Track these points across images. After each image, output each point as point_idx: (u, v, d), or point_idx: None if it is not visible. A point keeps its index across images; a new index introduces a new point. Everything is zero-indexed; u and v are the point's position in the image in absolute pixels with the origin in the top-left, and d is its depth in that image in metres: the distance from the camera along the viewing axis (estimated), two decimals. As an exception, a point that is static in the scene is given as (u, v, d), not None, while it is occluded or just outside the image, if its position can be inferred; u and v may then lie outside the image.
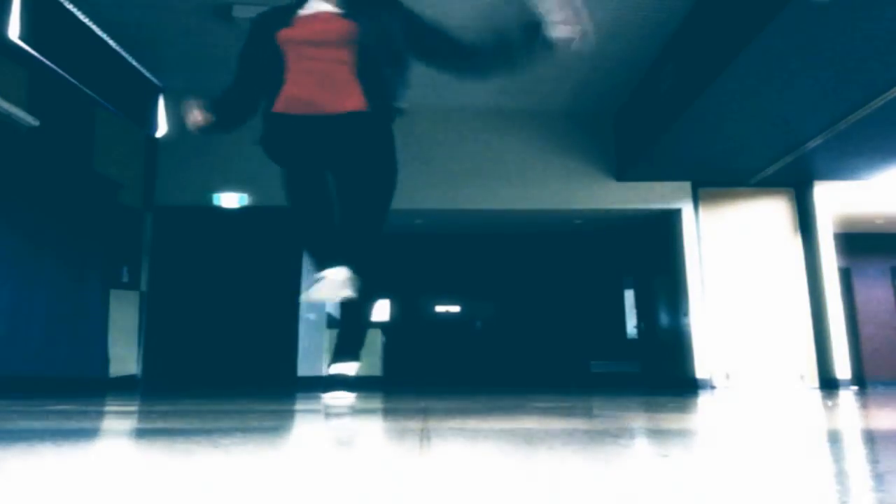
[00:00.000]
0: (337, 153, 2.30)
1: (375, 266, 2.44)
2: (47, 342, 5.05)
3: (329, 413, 2.09)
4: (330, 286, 2.21)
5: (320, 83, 2.29)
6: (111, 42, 5.90)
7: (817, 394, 4.67)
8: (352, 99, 2.23)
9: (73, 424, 1.54)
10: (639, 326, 9.00)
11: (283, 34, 2.32)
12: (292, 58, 2.31)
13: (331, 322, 7.27)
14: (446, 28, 2.34)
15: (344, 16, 2.30)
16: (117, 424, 1.67)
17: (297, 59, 2.31)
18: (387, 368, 7.86)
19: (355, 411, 2.15)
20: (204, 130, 2.47)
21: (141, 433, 1.35)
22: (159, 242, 6.97)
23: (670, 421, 1.61)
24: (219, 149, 7.28)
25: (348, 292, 2.22)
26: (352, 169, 2.31)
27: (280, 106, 2.30)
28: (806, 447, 1.08)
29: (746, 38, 4.47)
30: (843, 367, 6.79)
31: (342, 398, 2.36)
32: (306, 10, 2.38)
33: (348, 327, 2.52)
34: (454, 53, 2.36)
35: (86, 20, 5.50)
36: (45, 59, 5.00)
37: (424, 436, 1.16)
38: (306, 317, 7.01)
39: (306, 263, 7.10)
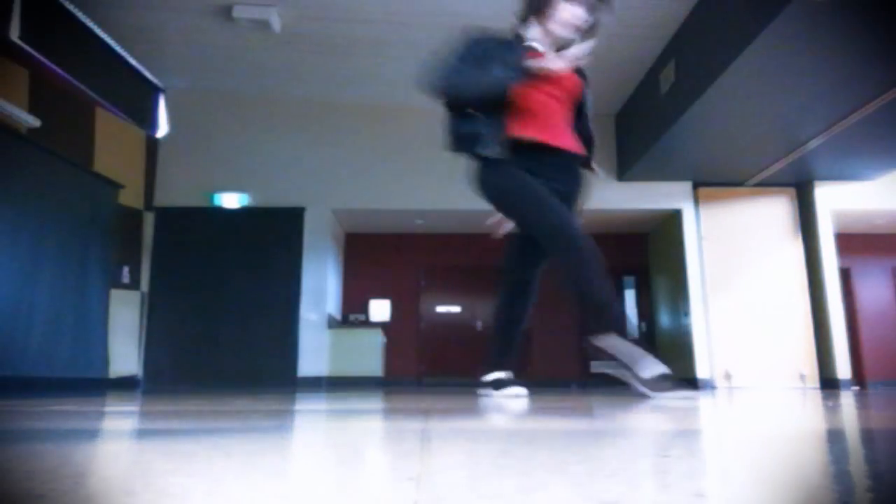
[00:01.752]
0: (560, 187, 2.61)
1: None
2: (48, 343, 5.06)
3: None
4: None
5: (558, 124, 2.63)
6: (112, 42, 5.91)
7: (818, 394, 4.67)
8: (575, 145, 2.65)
9: (73, 425, 1.55)
10: (639, 326, 9.00)
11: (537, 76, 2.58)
12: (536, 94, 2.57)
13: (331, 322, 7.27)
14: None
15: (577, 77, 2.71)
16: (118, 425, 1.67)
17: (542, 96, 2.59)
18: (387, 368, 7.86)
19: (355, 412, 2.15)
20: None
21: (141, 434, 1.36)
22: (160, 242, 6.98)
23: (671, 421, 1.61)
24: (219, 149, 7.29)
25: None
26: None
27: (529, 133, 2.56)
28: (806, 447, 1.08)
29: (747, 39, 4.48)
30: (843, 368, 6.80)
31: (516, 395, 2.55)
32: (545, 60, 2.59)
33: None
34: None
35: (86, 20, 5.50)
36: (45, 60, 5.01)
37: (425, 436, 1.16)
38: (307, 317, 7.02)
39: (316, 266, 7.10)
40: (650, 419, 1.67)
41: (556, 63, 2.48)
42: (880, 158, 6.57)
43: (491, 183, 2.53)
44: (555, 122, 2.57)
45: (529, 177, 2.48)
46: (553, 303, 8.96)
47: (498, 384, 2.70)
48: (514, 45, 2.59)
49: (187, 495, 0.59)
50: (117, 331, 6.23)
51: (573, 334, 8.88)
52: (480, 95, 2.45)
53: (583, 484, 0.64)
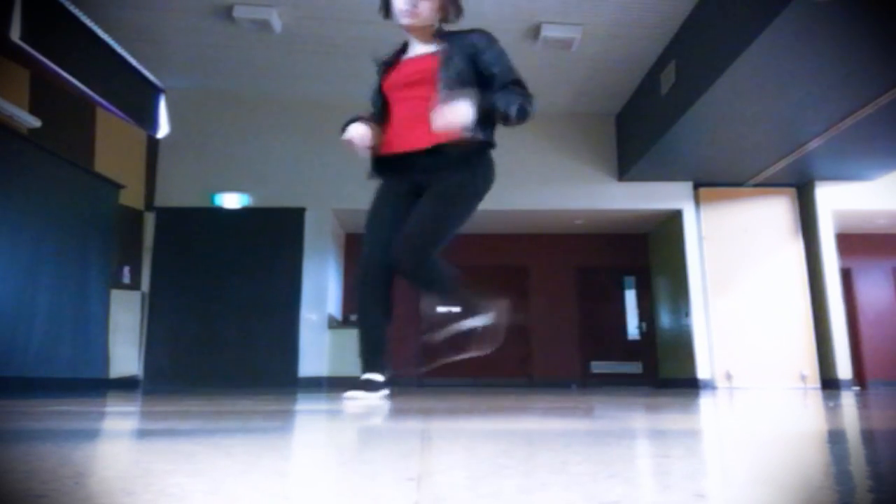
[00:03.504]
0: (423, 185, 2.41)
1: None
2: (48, 343, 5.06)
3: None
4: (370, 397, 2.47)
5: (410, 121, 2.36)
6: (112, 42, 5.91)
7: (818, 394, 4.67)
8: (431, 134, 2.25)
9: (73, 425, 1.55)
10: (640, 327, 9.00)
11: (385, 82, 2.46)
12: (392, 102, 2.43)
13: (331, 323, 7.27)
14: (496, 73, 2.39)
15: (434, 54, 2.41)
16: (118, 425, 1.67)
17: (394, 103, 2.42)
18: (387, 369, 7.84)
19: (356, 412, 2.15)
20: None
21: (142, 434, 1.36)
22: (160, 243, 6.97)
23: (671, 421, 1.61)
24: (219, 149, 7.29)
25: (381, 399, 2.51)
26: (434, 196, 2.40)
27: (383, 149, 2.41)
28: (807, 448, 1.08)
29: (747, 39, 4.48)
30: (843, 368, 6.79)
31: (364, 399, 2.46)
32: (408, 55, 2.51)
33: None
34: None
35: (87, 21, 5.50)
36: (46, 60, 5.01)
37: (425, 436, 1.16)
38: (308, 317, 7.01)
39: (316, 266, 7.10)
40: (650, 419, 1.67)
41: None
42: (880, 158, 6.57)
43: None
44: (407, 121, 2.38)
45: (379, 203, 2.44)
46: (553, 303, 8.99)
47: (372, 385, 2.57)
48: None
49: (187, 495, 0.59)
50: (118, 331, 6.23)
51: (573, 335, 8.88)
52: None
53: (583, 484, 0.64)
